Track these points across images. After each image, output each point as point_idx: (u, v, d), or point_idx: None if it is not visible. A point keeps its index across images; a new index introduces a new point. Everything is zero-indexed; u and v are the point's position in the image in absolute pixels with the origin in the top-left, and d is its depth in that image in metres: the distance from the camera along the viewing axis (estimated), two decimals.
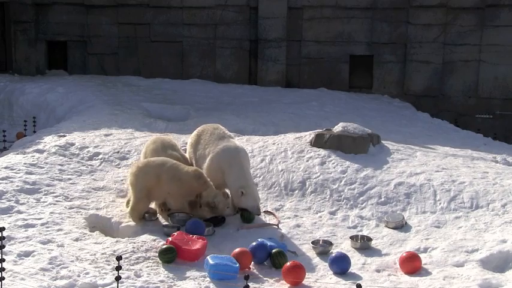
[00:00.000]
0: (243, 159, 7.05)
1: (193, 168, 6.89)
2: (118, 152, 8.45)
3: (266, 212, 7.13)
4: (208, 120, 9.60)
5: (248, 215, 6.85)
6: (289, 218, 6.99)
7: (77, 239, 6.23)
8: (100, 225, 6.83)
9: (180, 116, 11.69)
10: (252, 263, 5.95)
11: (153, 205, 6.99)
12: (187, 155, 7.61)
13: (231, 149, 7.06)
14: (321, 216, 7.04)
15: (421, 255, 6.05)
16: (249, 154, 7.94)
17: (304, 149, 8.18)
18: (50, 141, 8.74)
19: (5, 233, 5.32)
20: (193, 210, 6.77)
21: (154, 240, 6.34)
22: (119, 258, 5.11)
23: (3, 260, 5.12)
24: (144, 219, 6.80)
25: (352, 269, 5.96)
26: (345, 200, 7.27)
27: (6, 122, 12.37)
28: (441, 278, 5.71)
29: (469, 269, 5.83)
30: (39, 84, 13.19)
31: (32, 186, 7.28)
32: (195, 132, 7.57)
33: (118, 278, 5.12)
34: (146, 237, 6.45)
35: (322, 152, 8.08)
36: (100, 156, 8.37)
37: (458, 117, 13.85)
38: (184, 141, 8.67)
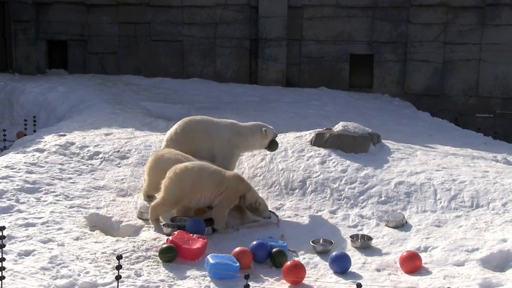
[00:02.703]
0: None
1: (233, 172, 6.90)
2: (118, 152, 8.45)
3: None
4: None
5: (274, 144, 7.55)
6: (289, 217, 6.99)
7: (77, 238, 6.23)
8: (100, 224, 6.83)
9: (180, 115, 11.61)
10: (252, 262, 5.95)
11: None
12: (163, 143, 7.60)
13: (233, 123, 7.64)
14: (321, 216, 7.04)
15: (422, 255, 6.05)
16: (250, 153, 8.01)
17: (305, 148, 8.18)
18: (50, 141, 8.74)
19: (5, 232, 5.32)
20: (243, 215, 6.82)
21: (155, 239, 6.34)
22: (119, 257, 5.12)
23: (4, 259, 5.13)
24: (157, 220, 6.72)
25: (353, 268, 5.96)
26: (345, 199, 7.27)
27: (7, 121, 12.37)
28: (441, 277, 5.71)
29: (469, 268, 5.83)
30: (40, 83, 13.20)
31: (32, 186, 7.28)
32: (181, 128, 7.53)
33: (118, 277, 5.12)
34: (146, 236, 6.45)
35: (323, 151, 8.08)
36: (100, 156, 8.37)
37: (459, 117, 13.85)
38: None
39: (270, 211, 7.08)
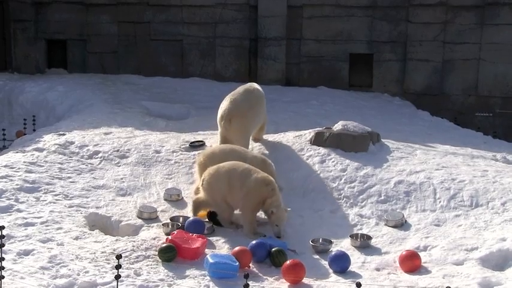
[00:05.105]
0: None
1: (260, 175, 6.64)
2: (118, 151, 8.45)
3: None
4: (208, 118, 9.62)
5: None
6: (289, 216, 6.98)
7: (76, 238, 6.24)
8: (100, 223, 6.84)
9: (180, 115, 11.67)
10: (252, 261, 5.95)
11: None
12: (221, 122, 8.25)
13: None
14: (320, 215, 7.04)
15: (421, 254, 6.06)
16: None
17: (304, 148, 8.18)
18: (49, 140, 8.73)
19: (4, 232, 5.32)
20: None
21: (154, 238, 6.34)
22: (118, 256, 5.12)
23: (3, 259, 5.13)
24: (234, 224, 6.74)
25: (352, 267, 5.96)
26: (344, 199, 7.27)
27: (6, 120, 12.35)
28: (441, 276, 5.72)
29: (468, 267, 5.84)
30: (39, 82, 13.18)
31: (31, 185, 7.28)
32: (247, 93, 8.80)
33: (118, 277, 5.12)
34: (146, 235, 6.45)
35: (322, 150, 8.08)
36: (100, 155, 8.36)
37: (458, 116, 13.82)
38: (184, 140, 8.68)
39: None
